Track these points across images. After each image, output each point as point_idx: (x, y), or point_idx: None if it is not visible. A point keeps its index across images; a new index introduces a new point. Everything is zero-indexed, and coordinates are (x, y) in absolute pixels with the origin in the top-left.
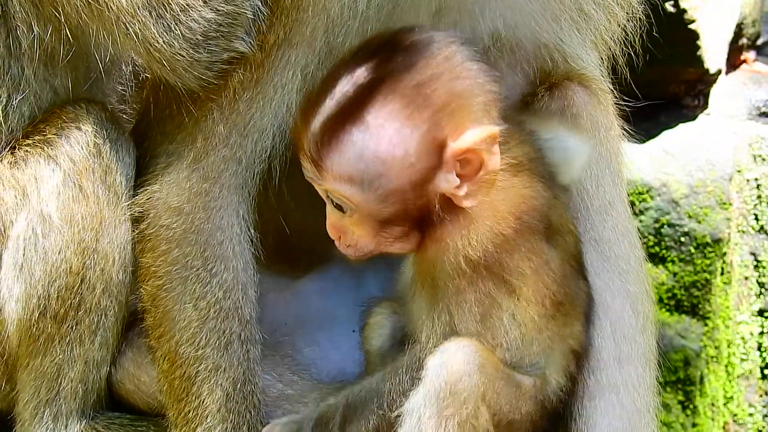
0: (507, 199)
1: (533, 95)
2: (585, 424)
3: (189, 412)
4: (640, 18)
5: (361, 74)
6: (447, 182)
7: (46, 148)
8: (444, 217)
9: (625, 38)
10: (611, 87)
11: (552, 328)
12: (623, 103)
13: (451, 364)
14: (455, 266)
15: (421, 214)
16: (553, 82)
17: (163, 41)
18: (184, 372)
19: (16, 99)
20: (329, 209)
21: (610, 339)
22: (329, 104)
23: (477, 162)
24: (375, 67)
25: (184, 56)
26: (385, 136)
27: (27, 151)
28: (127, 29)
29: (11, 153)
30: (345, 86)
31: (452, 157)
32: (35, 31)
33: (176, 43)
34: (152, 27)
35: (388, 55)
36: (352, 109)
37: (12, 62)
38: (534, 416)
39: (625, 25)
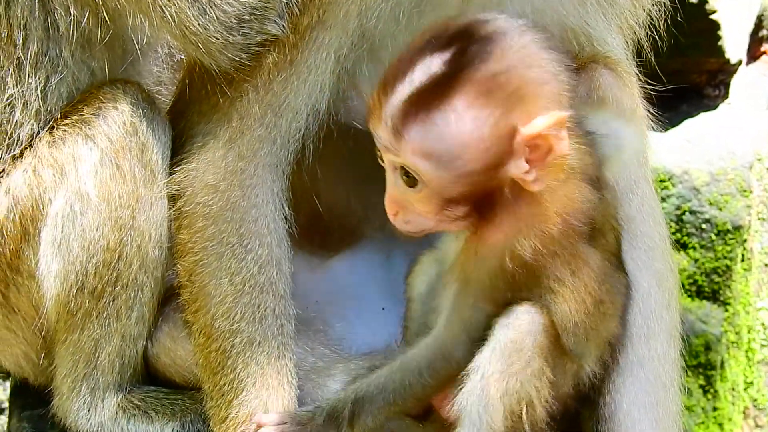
0: (555, 200)
1: None
2: (612, 398)
3: (224, 385)
4: (664, 3)
5: (444, 59)
6: (516, 167)
7: (83, 127)
8: (507, 204)
9: (650, 24)
10: (637, 71)
11: (589, 324)
12: (647, 90)
13: (517, 323)
14: (500, 261)
15: (486, 197)
16: (580, 65)
17: (198, 24)
18: (220, 345)
19: (54, 80)
20: (392, 183)
21: (638, 315)
22: (414, 82)
23: (546, 147)
24: (457, 53)
25: (218, 39)
26: (466, 121)
27: (65, 130)
28: (164, 12)
29: (50, 132)
30: (430, 68)
31: (522, 142)
32: (73, 13)
33: (211, 26)
34: (188, 10)
35: (468, 44)
36: (439, 91)
37: (51, 44)
38: (569, 395)
39: (650, 10)
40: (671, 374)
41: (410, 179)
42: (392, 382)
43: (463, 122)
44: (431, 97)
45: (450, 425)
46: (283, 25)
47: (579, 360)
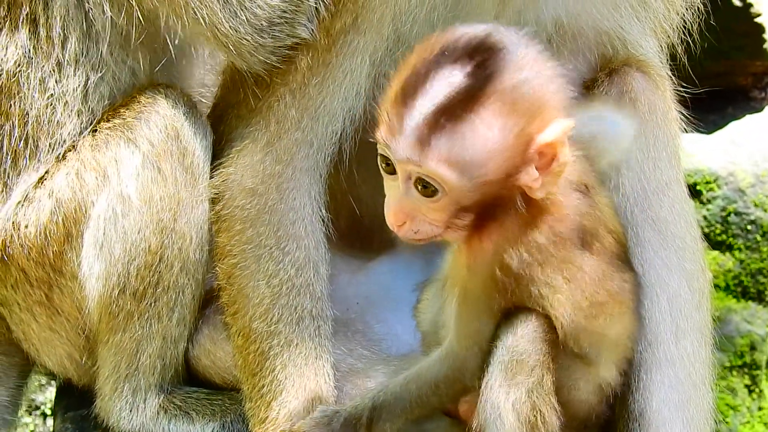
0: (543, 209)
1: (594, 80)
2: (642, 396)
3: (263, 386)
4: (698, 7)
5: (466, 71)
6: (528, 175)
7: (125, 131)
8: (507, 212)
9: (687, 27)
10: (670, 74)
11: (593, 327)
12: (691, 92)
13: (518, 333)
14: (490, 271)
15: (495, 205)
16: (613, 68)
17: (229, 26)
18: (258, 347)
19: (94, 80)
20: (401, 193)
21: (667, 314)
22: (438, 93)
23: (551, 155)
24: (478, 66)
25: (249, 41)
26: (492, 131)
27: (107, 134)
28: (195, 14)
29: (92, 136)
30: (451, 79)
31: (535, 150)
32: (108, 13)
33: (242, 29)
34: (219, 12)
35: (487, 56)
36: (465, 103)
37: (89, 44)
38: (591, 398)
39: (684, 14)
40: (702, 373)
41: (428, 189)
42: (408, 392)
43: (491, 132)
44: (457, 108)
45: None
46: (312, 29)
47: (592, 364)
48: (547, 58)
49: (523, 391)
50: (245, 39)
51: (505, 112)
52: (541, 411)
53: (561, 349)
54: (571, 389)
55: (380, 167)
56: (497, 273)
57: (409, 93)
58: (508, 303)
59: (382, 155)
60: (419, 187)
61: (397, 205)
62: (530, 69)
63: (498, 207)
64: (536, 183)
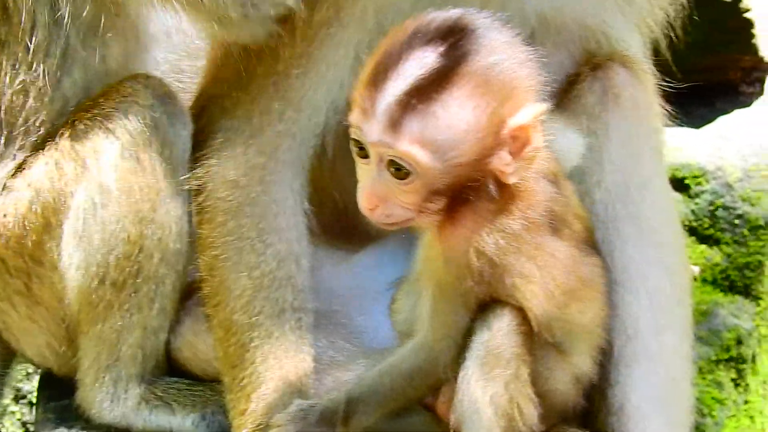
0: (516, 196)
1: (577, 75)
2: (621, 390)
3: (243, 378)
4: (683, 3)
5: (438, 52)
6: (500, 159)
7: (104, 121)
8: (479, 197)
9: (671, 22)
10: (654, 69)
11: (568, 314)
12: (680, 87)
13: (493, 326)
14: (465, 260)
15: (467, 189)
16: (597, 62)
17: (212, 1)
18: (239, 339)
19: (64, 66)
20: (373, 177)
21: (648, 309)
22: (411, 74)
23: (524, 139)
24: (451, 47)
25: (232, 14)
26: (465, 111)
27: (87, 124)
28: None
29: (72, 126)
30: (424, 61)
31: (508, 134)
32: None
33: (223, 2)
34: None
35: (460, 37)
36: (437, 83)
37: (58, 30)
38: (568, 388)
39: (668, 10)
40: (682, 368)
41: (401, 171)
42: (383, 384)
43: (464, 112)
44: (430, 88)
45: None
46: (298, 1)
47: (567, 353)
48: (520, 42)
49: (501, 384)
50: (229, 12)
51: (478, 93)
52: (518, 403)
53: (536, 340)
54: (547, 379)
55: (353, 152)
56: (472, 260)
57: (380, 75)
58: (483, 294)
59: (354, 139)
60: (392, 170)
61: (370, 188)
62: (503, 51)
63: (470, 191)
64: (509, 168)
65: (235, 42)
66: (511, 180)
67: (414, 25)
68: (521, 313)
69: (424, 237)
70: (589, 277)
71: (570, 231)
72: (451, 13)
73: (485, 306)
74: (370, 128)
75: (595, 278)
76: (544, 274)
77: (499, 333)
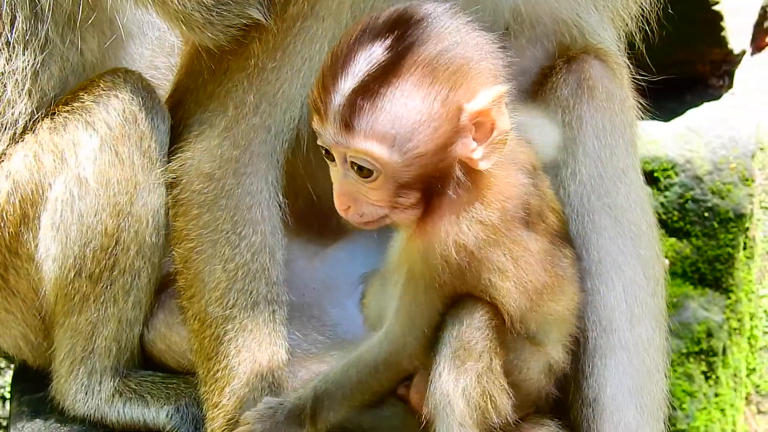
0: (493, 187)
1: (552, 68)
2: (596, 382)
3: (217, 371)
4: None
5: (384, 45)
6: (464, 146)
7: (84, 114)
8: (450, 193)
9: (646, 16)
10: (628, 62)
11: (542, 308)
12: (649, 80)
13: (465, 320)
14: (443, 253)
15: (437, 180)
16: (571, 55)
17: (178, 1)
18: (213, 332)
19: (42, 59)
20: (341, 178)
21: (623, 300)
22: (357, 72)
23: (489, 124)
24: (396, 39)
25: (197, 17)
26: (414, 102)
27: (66, 117)
28: None
29: (51, 118)
30: (370, 56)
31: (468, 120)
32: None
33: (188, 4)
34: None
35: (406, 29)
36: (383, 77)
37: (37, 23)
38: (543, 381)
39: (642, 3)
40: (656, 360)
41: (363, 170)
42: (348, 377)
43: (412, 103)
44: (377, 83)
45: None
46: (265, 12)
47: (540, 344)
48: (472, 28)
49: (473, 377)
50: (193, 14)
51: (426, 82)
52: (491, 395)
53: (508, 333)
54: (521, 370)
55: (322, 155)
56: (452, 254)
57: (330, 77)
58: (458, 287)
59: (320, 144)
60: (355, 169)
61: (339, 189)
62: (452, 38)
63: (441, 182)
64: (475, 154)
65: (198, 44)
66: (482, 166)
67: (362, 24)
68: (493, 307)
69: (401, 231)
70: (562, 272)
71: (545, 225)
72: (399, 6)
73: (457, 300)
74: (326, 131)
75: (568, 270)
76: (518, 270)
77: (470, 327)
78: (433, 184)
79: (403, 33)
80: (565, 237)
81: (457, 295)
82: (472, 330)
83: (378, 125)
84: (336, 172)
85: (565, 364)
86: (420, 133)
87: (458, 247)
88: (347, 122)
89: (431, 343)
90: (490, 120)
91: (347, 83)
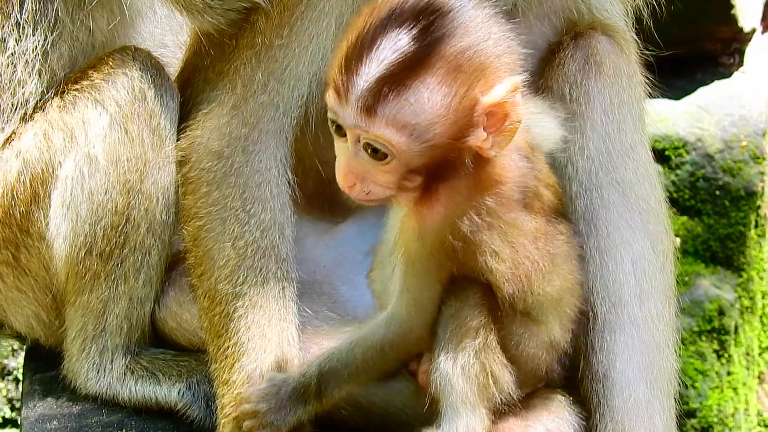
0: (490, 172)
1: (559, 44)
2: (606, 357)
3: (228, 348)
4: None
5: (411, 35)
6: (476, 138)
7: (93, 92)
8: (458, 174)
9: None
10: (635, 38)
11: (537, 287)
12: (659, 57)
13: (462, 298)
14: (440, 236)
15: (445, 167)
16: (578, 31)
17: None
18: (223, 309)
19: (52, 39)
20: (351, 156)
21: (632, 276)
22: (384, 59)
23: (502, 114)
24: (424, 29)
25: (197, 2)
26: (437, 96)
27: (75, 95)
28: None
29: (60, 97)
30: (397, 45)
31: (482, 112)
32: None
33: None
34: None
35: (434, 20)
36: (410, 68)
37: (48, 4)
38: (544, 356)
39: None
40: (666, 335)
41: (377, 153)
42: (354, 356)
43: (437, 98)
44: (403, 74)
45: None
46: None
47: (537, 320)
48: (496, 19)
49: (471, 354)
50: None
51: (450, 79)
52: (492, 370)
53: (503, 309)
54: (518, 344)
55: (330, 128)
56: (447, 236)
57: (355, 59)
58: (455, 269)
59: (331, 119)
60: (369, 151)
61: (347, 167)
62: (477, 32)
63: (447, 169)
64: (486, 143)
65: (198, 29)
66: (492, 154)
67: (388, 6)
68: (485, 285)
69: (399, 210)
70: (556, 249)
71: (540, 204)
72: None
73: (454, 281)
74: (345, 112)
75: (562, 247)
76: (513, 252)
77: (465, 305)
78: (441, 169)
79: (430, 24)
80: (561, 213)
81: (456, 275)
82: (468, 308)
83: (400, 115)
84: (344, 149)
85: (566, 340)
86: (438, 127)
87: (454, 230)
88: (370, 107)
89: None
90: (504, 110)
91: (373, 69)
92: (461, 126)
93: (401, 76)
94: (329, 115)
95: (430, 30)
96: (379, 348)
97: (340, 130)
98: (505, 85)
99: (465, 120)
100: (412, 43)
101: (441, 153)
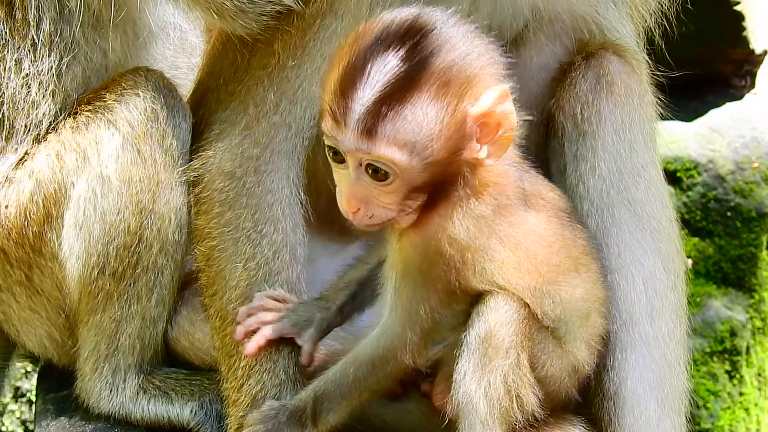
0: (485, 181)
1: (570, 64)
2: (617, 375)
3: (238, 369)
4: None
5: (400, 56)
6: (470, 150)
7: (106, 113)
8: (457, 188)
9: (665, 12)
10: (647, 58)
11: (557, 290)
12: (671, 79)
13: (490, 316)
14: (436, 246)
15: (445, 183)
16: (590, 51)
17: None
18: (234, 330)
19: (67, 60)
20: (353, 181)
21: (643, 294)
22: (377, 81)
23: (494, 124)
24: (410, 49)
25: (229, 6)
26: (431, 112)
27: (88, 116)
28: None
29: (73, 118)
30: (387, 67)
31: (473, 123)
32: None
33: None
34: None
35: (418, 39)
36: (403, 87)
37: (63, 25)
38: (566, 380)
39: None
40: (677, 353)
41: (379, 173)
42: (346, 376)
43: (431, 113)
44: (398, 94)
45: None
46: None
47: (563, 339)
48: (476, 33)
49: (497, 376)
50: (226, 3)
51: (441, 94)
52: (517, 393)
53: (532, 323)
54: (544, 364)
55: (328, 156)
56: (444, 247)
57: (348, 84)
58: (453, 281)
59: (329, 146)
60: (370, 172)
61: (350, 192)
62: (461, 47)
63: (447, 184)
64: (481, 153)
65: (231, 33)
66: (488, 163)
67: (374, 30)
68: (517, 299)
69: (394, 229)
70: (575, 253)
71: (544, 201)
72: (407, 14)
73: (479, 297)
74: (344, 137)
75: (580, 248)
76: (520, 251)
77: (496, 323)
78: (441, 186)
79: (416, 44)
80: (573, 215)
81: (457, 289)
82: (498, 326)
83: (400, 133)
84: (345, 175)
85: (590, 365)
86: (436, 141)
87: (450, 240)
88: (370, 129)
89: (432, 340)
90: (495, 120)
91: (368, 91)
92: (456, 139)
93: (396, 96)
94: (327, 142)
95: (417, 49)
96: (370, 364)
97: (338, 157)
98: (492, 94)
99: (459, 133)
100: (401, 63)
101: (440, 169)
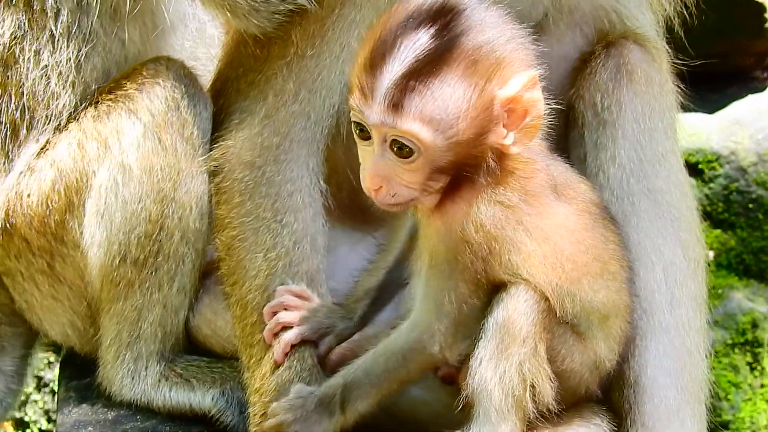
0: (513, 168)
1: (591, 53)
2: (637, 363)
3: (260, 358)
4: None
5: (431, 34)
6: (496, 135)
7: (127, 102)
8: (481, 174)
9: (690, 4)
10: (667, 47)
11: (581, 290)
12: (693, 71)
13: (509, 304)
14: (463, 234)
15: (468, 166)
16: (610, 40)
17: None
18: (255, 319)
19: (85, 51)
20: (377, 158)
21: (663, 283)
22: (407, 56)
23: (521, 110)
24: (442, 28)
25: (242, 4)
26: (458, 90)
27: (109, 105)
28: None
29: (94, 107)
30: (418, 43)
31: (501, 107)
32: None
33: None
34: None
35: (450, 19)
36: (432, 64)
37: (81, 16)
38: (586, 375)
39: None
40: (697, 341)
41: (403, 150)
42: (377, 366)
43: (458, 91)
44: (426, 70)
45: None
46: None
47: (584, 335)
48: (507, 19)
49: (513, 364)
50: (239, 2)
51: (469, 73)
52: (533, 383)
53: (553, 317)
54: (564, 358)
55: (354, 134)
56: (471, 234)
57: (378, 59)
58: (481, 270)
59: (355, 122)
60: (395, 149)
61: (373, 169)
62: (492, 30)
63: (471, 167)
64: (507, 140)
65: (244, 32)
66: (515, 150)
67: (406, 9)
68: (538, 290)
69: (420, 215)
70: (603, 250)
71: (574, 191)
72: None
73: (499, 286)
74: (371, 111)
75: (610, 252)
76: (547, 245)
77: (515, 312)
78: (465, 169)
79: (447, 23)
80: (604, 210)
81: (483, 279)
82: (517, 314)
83: (426, 109)
84: (369, 152)
85: (611, 362)
86: (462, 121)
87: (477, 227)
88: (396, 103)
89: (462, 334)
90: (522, 106)
91: (397, 65)
92: (482, 121)
93: (424, 72)
94: (353, 117)
95: (448, 28)
96: (401, 354)
97: (364, 133)
98: (521, 78)
99: (485, 115)
100: (431, 41)
101: (465, 150)
